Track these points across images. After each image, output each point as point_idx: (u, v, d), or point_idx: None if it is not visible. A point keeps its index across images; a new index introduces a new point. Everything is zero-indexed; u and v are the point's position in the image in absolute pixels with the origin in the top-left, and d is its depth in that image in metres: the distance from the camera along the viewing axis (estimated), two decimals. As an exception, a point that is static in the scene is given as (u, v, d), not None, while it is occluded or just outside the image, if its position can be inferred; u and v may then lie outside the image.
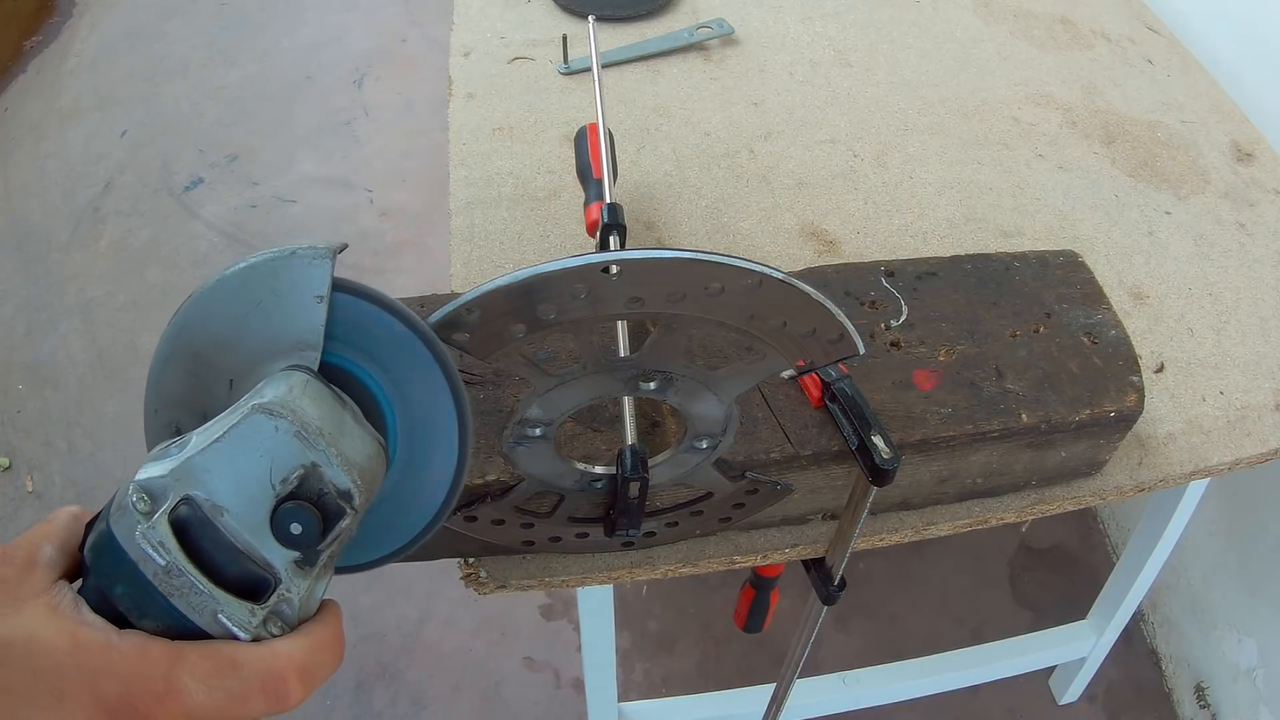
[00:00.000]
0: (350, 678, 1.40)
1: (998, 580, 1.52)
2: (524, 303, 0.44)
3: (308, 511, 0.36)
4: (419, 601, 1.48)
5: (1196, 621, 1.36)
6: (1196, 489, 0.96)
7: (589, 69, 1.03)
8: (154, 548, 0.34)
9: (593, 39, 0.86)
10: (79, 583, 0.36)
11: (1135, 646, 1.44)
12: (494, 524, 0.61)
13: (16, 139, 2.23)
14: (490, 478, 0.59)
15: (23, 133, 2.25)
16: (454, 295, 0.51)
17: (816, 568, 0.72)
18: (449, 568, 0.69)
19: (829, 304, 0.47)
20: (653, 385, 0.52)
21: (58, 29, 2.55)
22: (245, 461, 0.36)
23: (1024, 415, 0.65)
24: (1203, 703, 1.34)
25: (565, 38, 1.04)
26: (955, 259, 0.74)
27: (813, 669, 1.06)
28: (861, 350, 0.50)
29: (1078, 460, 0.71)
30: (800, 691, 1.11)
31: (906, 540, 0.73)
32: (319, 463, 0.37)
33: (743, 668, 1.40)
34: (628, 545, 0.67)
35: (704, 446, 0.58)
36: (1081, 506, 0.75)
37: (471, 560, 0.67)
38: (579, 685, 1.39)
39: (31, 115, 2.29)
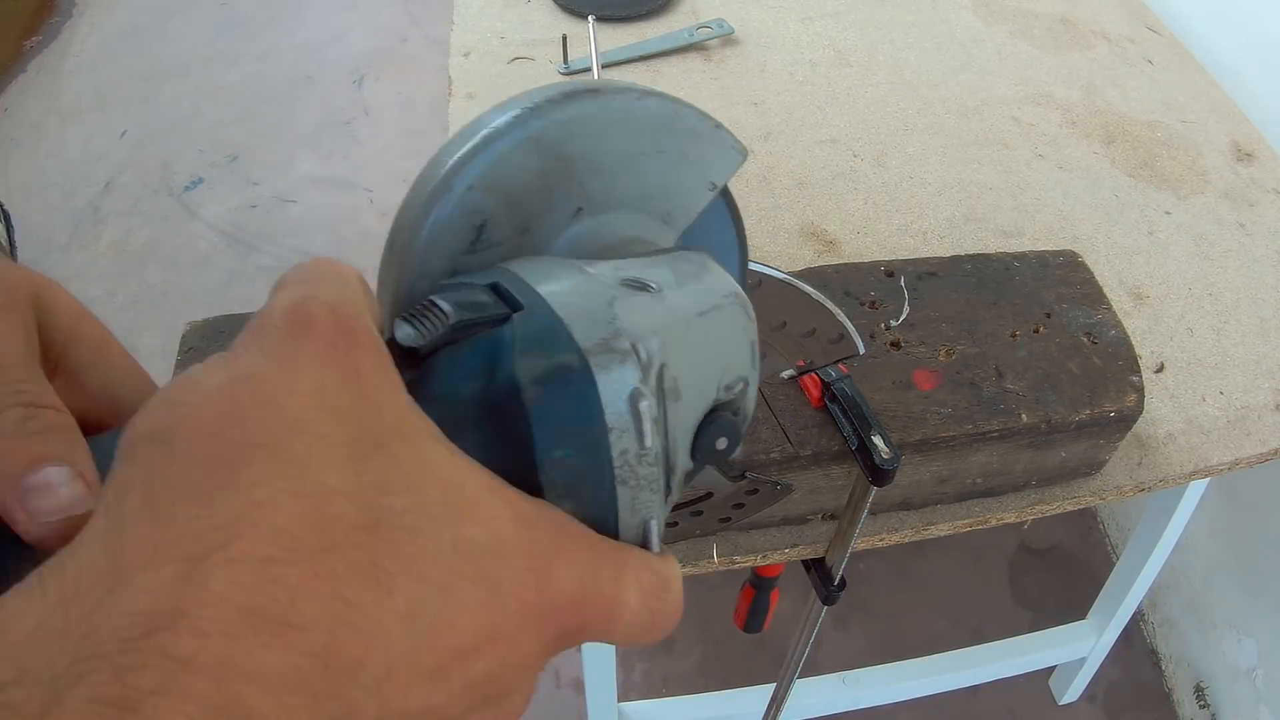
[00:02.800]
0: (350, 678, 1.39)
1: (998, 580, 1.52)
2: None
3: (735, 427, 0.30)
4: (419, 601, 1.48)
5: (1196, 621, 1.36)
6: (1196, 489, 0.96)
7: (589, 69, 1.03)
8: (650, 423, 0.25)
9: (593, 39, 0.86)
10: None
11: (1135, 646, 1.44)
12: (494, 524, 0.61)
13: (16, 139, 2.23)
14: (490, 478, 0.59)
15: (23, 133, 2.25)
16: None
17: (816, 568, 0.72)
18: (449, 568, 0.69)
19: (829, 304, 0.47)
20: (653, 385, 0.52)
21: (58, 29, 2.55)
22: (711, 350, 0.29)
23: (1024, 415, 0.65)
24: (1203, 703, 1.34)
25: (565, 38, 1.04)
26: (955, 259, 0.74)
27: (813, 669, 1.06)
28: (861, 350, 0.50)
29: (1078, 460, 0.71)
30: (800, 691, 1.11)
31: (906, 540, 0.73)
32: (749, 381, 0.31)
33: (743, 668, 1.40)
34: (628, 545, 0.67)
35: (704, 446, 0.58)
36: (1081, 506, 0.75)
37: (471, 560, 0.67)
38: (579, 685, 1.38)
39: (31, 115, 2.29)
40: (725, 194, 0.35)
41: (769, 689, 0.91)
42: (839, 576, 0.71)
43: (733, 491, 0.63)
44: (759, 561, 0.71)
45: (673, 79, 1.05)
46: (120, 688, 0.16)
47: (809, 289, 0.46)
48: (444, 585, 0.20)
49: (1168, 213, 0.93)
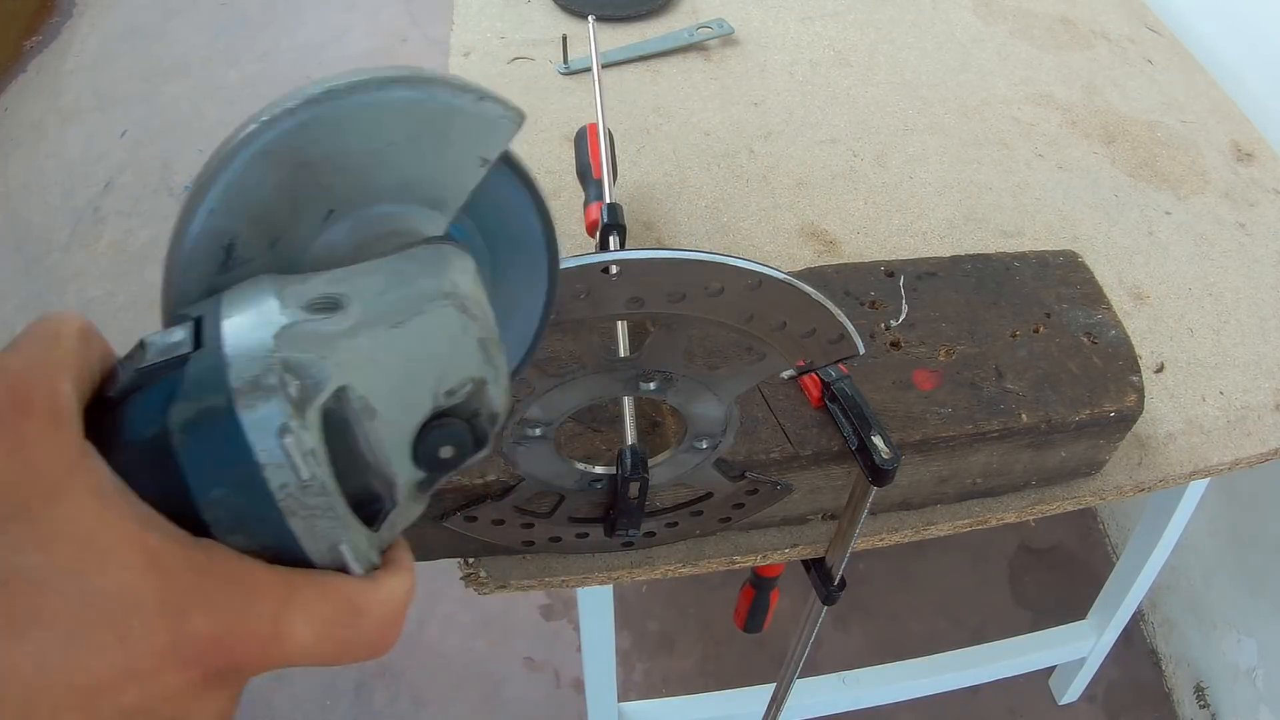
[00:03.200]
0: (350, 678, 1.40)
1: (998, 580, 1.52)
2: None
3: (463, 432, 0.30)
4: (419, 601, 1.48)
5: (1196, 621, 1.36)
6: (1196, 489, 0.96)
7: (589, 69, 1.03)
8: (302, 456, 0.25)
9: (593, 39, 0.86)
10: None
11: (1135, 646, 1.44)
12: (494, 524, 0.61)
13: (16, 139, 2.23)
14: (490, 478, 0.59)
15: (23, 133, 2.25)
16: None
17: (816, 568, 0.72)
18: (449, 568, 0.69)
19: (829, 304, 0.47)
20: (653, 385, 0.52)
21: (58, 29, 2.55)
22: (417, 359, 0.28)
23: (1024, 415, 0.65)
24: (1202, 703, 1.34)
25: (565, 38, 1.04)
26: (955, 259, 0.74)
27: (813, 669, 1.06)
28: (861, 350, 0.50)
29: (1078, 460, 0.71)
30: (800, 691, 1.11)
31: (906, 540, 0.73)
32: (487, 380, 0.30)
33: (743, 668, 1.40)
34: (628, 545, 0.67)
35: (704, 447, 0.58)
36: (1081, 506, 0.75)
37: (472, 560, 0.67)
38: (579, 685, 1.39)
39: (31, 115, 2.29)
40: (510, 163, 0.34)
41: (769, 689, 0.91)
42: (839, 576, 0.71)
43: (733, 491, 0.63)
44: (759, 561, 0.71)
45: (672, 79, 1.05)
46: None
47: (809, 289, 0.46)
48: (72, 632, 0.22)
49: (1168, 213, 0.93)
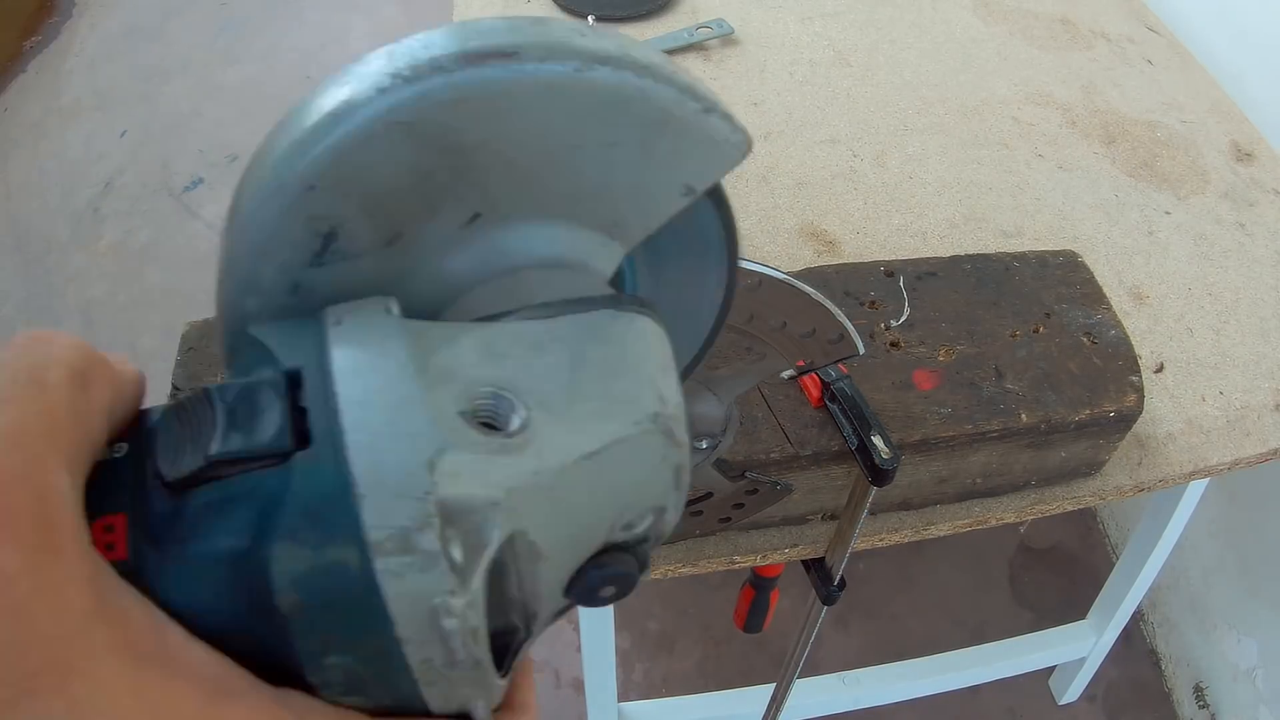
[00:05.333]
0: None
1: (998, 580, 1.52)
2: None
3: (631, 570, 0.23)
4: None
5: (1196, 621, 1.36)
6: (1196, 489, 0.96)
7: (589, 69, 1.03)
8: (460, 640, 0.19)
9: (593, 39, 0.86)
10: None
11: (1135, 646, 1.44)
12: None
13: (16, 139, 2.23)
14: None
15: (23, 133, 2.25)
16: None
17: (816, 568, 0.72)
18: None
19: (829, 304, 0.47)
20: (653, 385, 0.52)
21: (58, 29, 2.55)
22: (603, 493, 0.22)
23: (1024, 415, 0.65)
24: (1202, 703, 1.34)
25: (565, 38, 1.04)
26: (955, 259, 0.74)
27: (812, 669, 1.06)
28: (861, 350, 0.50)
29: (1077, 460, 0.71)
30: (800, 691, 1.11)
31: (906, 540, 0.73)
32: (668, 507, 0.24)
33: (743, 668, 1.40)
34: (628, 545, 0.67)
35: (704, 446, 0.58)
36: (1081, 506, 0.75)
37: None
38: (579, 685, 1.38)
39: (31, 115, 2.29)
40: (717, 199, 0.26)
41: (769, 689, 0.91)
42: (839, 576, 0.71)
43: (733, 491, 0.63)
44: (759, 561, 0.71)
45: (673, 79, 1.05)
46: None
47: (809, 289, 0.46)
48: None
49: (1168, 213, 0.93)
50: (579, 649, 1.40)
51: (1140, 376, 0.68)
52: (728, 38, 1.10)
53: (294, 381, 0.19)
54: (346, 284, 0.22)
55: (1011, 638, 1.23)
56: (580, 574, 0.22)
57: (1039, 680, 1.39)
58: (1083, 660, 1.27)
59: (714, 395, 0.54)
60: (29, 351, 0.17)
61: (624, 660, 1.41)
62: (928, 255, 0.80)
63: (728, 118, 0.23)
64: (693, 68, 1.06)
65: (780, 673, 0.87)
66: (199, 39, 2.50)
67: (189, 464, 0.18)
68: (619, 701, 1.06)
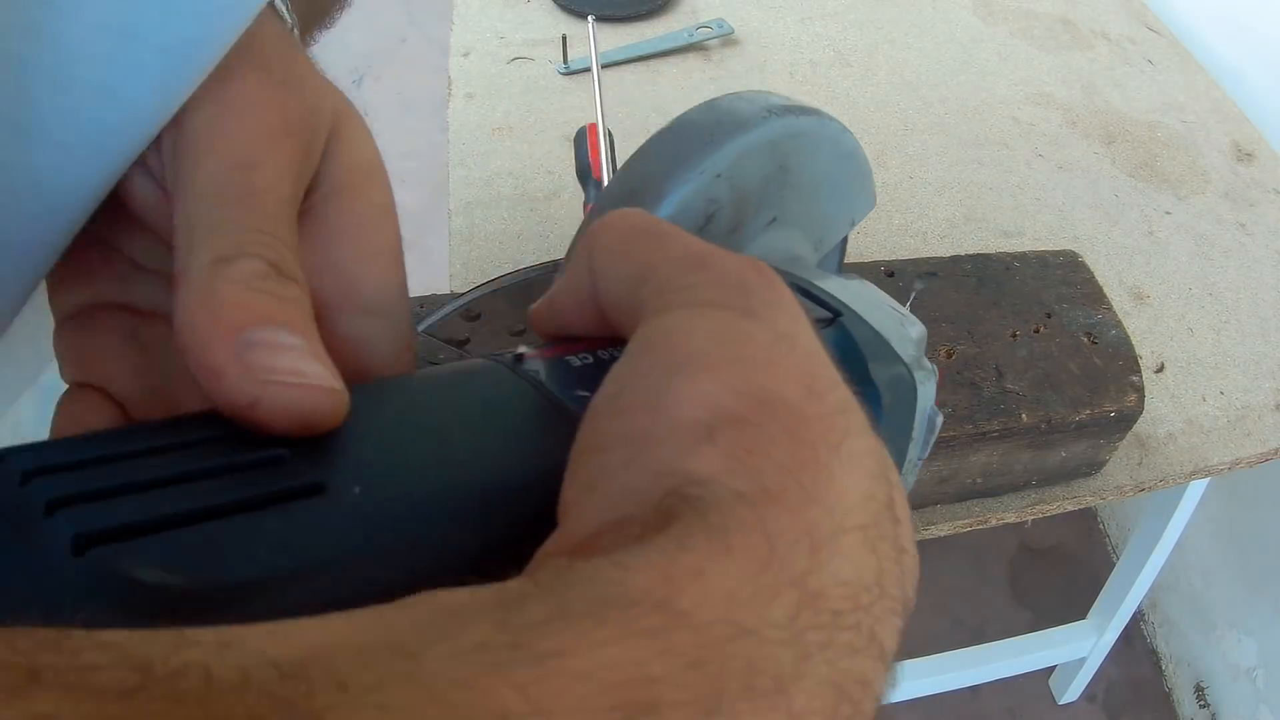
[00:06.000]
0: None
1: (998, 580, 1.52)
2: (524, 302, 0.44)
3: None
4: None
5: (1196, 621, 1.36)
6: (1196, 489, 0.96)
7: (589, 69, 1.03)
8: (930, 442, 0.27)
9: (592, 39, 0.86)
10: None
11: (1135, 646, 1.44)
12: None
13: (16, 139, 2.23)
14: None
15: (22, 133, 2.24)
16: (454, 295, 0.51)
17: (816, 568, 0.72)
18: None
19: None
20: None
21: (57, 29, 2.55)
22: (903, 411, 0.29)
23: (1024, 415, 0.65)
24: (1203, 703, 1.34)
25: (565, 38, 1.04)
26: (955, 259, 0.74)
27: (813, 669, 1.06)
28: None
29: (1078, 460, 0.71)
30: (800, 691, 1.11)
31: (906, 540, 0.72)
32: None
33: (743, 668, 1.40)
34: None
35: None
36: (1081, 506, 0.75)
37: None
38: (579, 685, 1.38)
39: (31, 115, 2.29)
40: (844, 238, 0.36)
41: (769, 689, 0.91)
42: (839, 577, 0.70)
43: (733, 491, 0.63)
44: (759, 562, 0.70)
45: (672, 79, 1.05)
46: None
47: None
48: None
49: (1168, 213, 0.93)
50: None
51: (1141, 376, 0.68)
52: (728, 38, 1.10)
53: (803, 292, 0.27)
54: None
55: (1011, 638, 1.23)
56: None
57: (1039, 680, 1.39)
58: (1083, 660, 1.27)
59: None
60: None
61: (624, 660, 1.41)
62: (928, 255, 0.80)
63: (872, 177, 0.35)
64: (693, 68, 1.06)
65: (780, 673, 0.87)
66: (199, 39, 2.50)
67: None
68: (619, 702, 1.06)
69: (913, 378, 0.25)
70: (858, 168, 0.34)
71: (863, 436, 0.18)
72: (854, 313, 0.26)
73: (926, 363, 0.26)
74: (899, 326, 0.27)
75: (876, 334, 0.26)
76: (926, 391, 0.26)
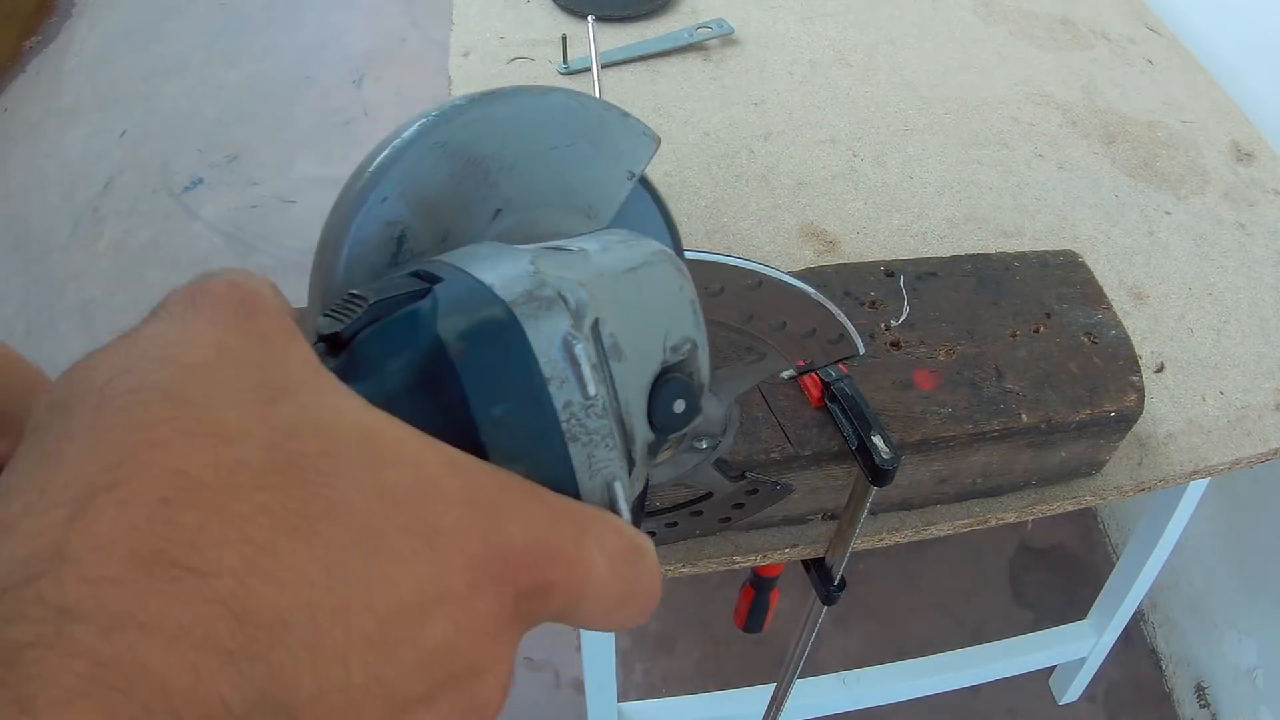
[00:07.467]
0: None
1: (998, 580, 1.52)
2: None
3: (690, 388, 0.28)
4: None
5: (1196, 621, 1.36)
6: (1196, 489, 0.96)
7: (589, 69, 1.03)
8: (590, 368, 0.24)
9: (592, 39, 0.86)
10: None
11: (1135, 646, 1.44)
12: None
13: (16, 139, 2.23)
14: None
15: (22, 133, 2.24)
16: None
17: (816, 568, 0.72)
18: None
19: (829, 304, 0.47)
20: (653, 385, 0.52)
21: (58, 29, 2.55)
22: (650, 307, 0.28)
23: (1024, 415, 0.65)
24: (1203, 703, 1.34)
25: (565, 38, 1.04)
26: (955, 259, 0.74)
27: (813, 669, 1.06)
28: (861, 350, 0.50)
29: (1078, 460, 0.71)
30: (800, 691, 1.11)
31: (906, 540, 0.73)
32: (698, 345, 0.29)
33: (743, 668, 1.40)
34: (628, 545, 0.67)
35: (704, 447, 0.58)
36: (1081, 506, 0.75)
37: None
38: (579, 685, 1.38)
39: (31, 115, 2.29)
40: (645, 183, 0.35)
41: (769, 689, 0.91)
42: (839, 576, 0.70)
43: (733, 491, 0.63)
44: (759, 561, 0.70)
45: (672, 79, 1.05)
46: None
47: (809, 289, 0.46)
48: (369, 530, 0.18)
49: (1168, 213, 0.93)
50: (579, 649, 1.40)
51: (1140, 376, 0.68)
52: (728, 38, 1.10)
53: (414, 273, 0.26)
54: None
55: (1011, 638, 1.23)
56: (653, 395, 0.28)
57: (1039, 680, 1.39)
58: (1083, 660, 1.27)
59: (714, 395, 0.54)
60: (234, 269, 0.22)
61: (624, 660, 1.41)
62: (928, 255, 0.80)
63: (638, 119, 0.33)
64: (693, 68, 1.06)
65: (780, 673, 0.87)
66: (198, 39, 2.50)
67: (355, 319, 0.24)
68: (619, 701, 1.06)
69: (512, 315, 0.23)
70: (589, 123, 0.33)
71: (187, 404, 0.18)
72: (459, 272, 0.24)
73: (546, 292, 0.24)
74: (524, 265, 0.25)
75: (474, 285, 0.24)
76: (546, 324, 0.23)
